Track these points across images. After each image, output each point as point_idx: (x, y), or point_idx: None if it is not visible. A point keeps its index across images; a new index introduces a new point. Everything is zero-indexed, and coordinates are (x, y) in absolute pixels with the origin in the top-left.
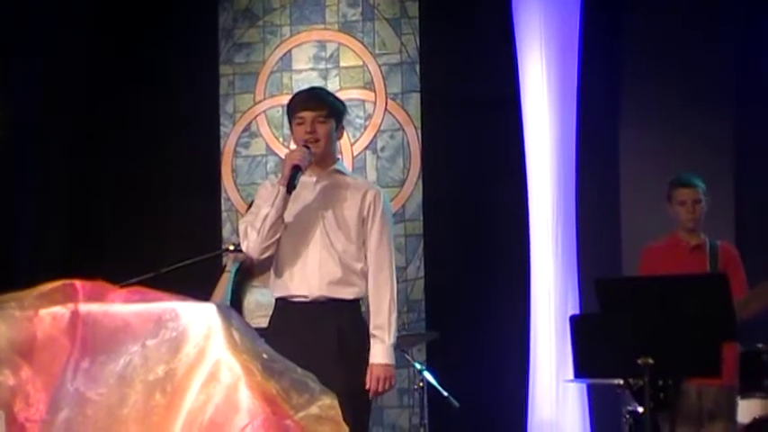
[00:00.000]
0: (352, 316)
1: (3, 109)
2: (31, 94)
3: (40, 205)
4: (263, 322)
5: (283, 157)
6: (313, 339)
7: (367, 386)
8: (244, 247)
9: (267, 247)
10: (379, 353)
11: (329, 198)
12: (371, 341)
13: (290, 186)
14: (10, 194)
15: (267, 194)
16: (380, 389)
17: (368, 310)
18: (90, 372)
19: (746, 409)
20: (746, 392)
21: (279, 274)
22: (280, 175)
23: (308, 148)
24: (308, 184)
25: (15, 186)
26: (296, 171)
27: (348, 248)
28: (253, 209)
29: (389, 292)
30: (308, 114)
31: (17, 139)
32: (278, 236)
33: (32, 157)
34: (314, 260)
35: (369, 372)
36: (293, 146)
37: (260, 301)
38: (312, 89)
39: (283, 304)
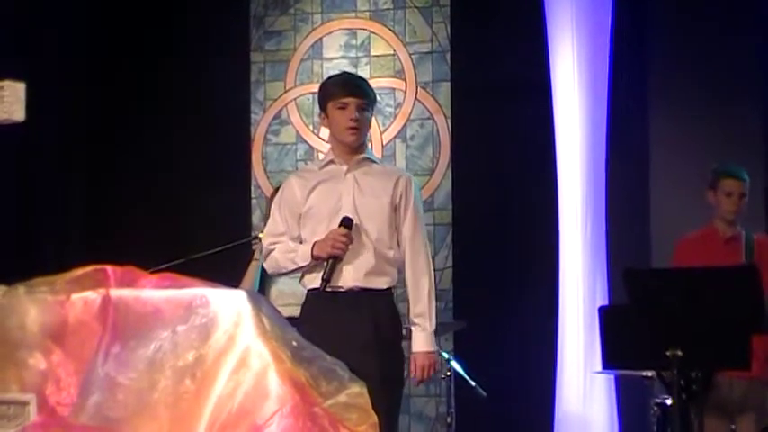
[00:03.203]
0: (387, 305)
1: (28, 91)
2: (57, 79)
3: (65, 191)
4: (287, 311)
5: (317, 242)
6: (349, 329)
7: (411, 374)
8: (264, 262)
9: (281, 275)
10: (422, 340)
11: (361, 186)
12: (413, 329)
13: (325, 282)
14: (35, 181)
15: (292, 196)
16: (426, 376)
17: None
18: (120, 356)
19: None
20: None
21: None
22: (313, 245)
23: (348, 227)
24: (339, 173)
25: (41, 172)
26: (334, 262)
27: (382, 237)
28: (275, 227)
29: (428, 279)
30: (352, 101)
31: (43, 122)
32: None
33: (57, 142)
34: (348, 250)
35: (412, 360)
36: (323, 132)
37: (282, 290)
38: (350, 76)
39: (317, 294)
